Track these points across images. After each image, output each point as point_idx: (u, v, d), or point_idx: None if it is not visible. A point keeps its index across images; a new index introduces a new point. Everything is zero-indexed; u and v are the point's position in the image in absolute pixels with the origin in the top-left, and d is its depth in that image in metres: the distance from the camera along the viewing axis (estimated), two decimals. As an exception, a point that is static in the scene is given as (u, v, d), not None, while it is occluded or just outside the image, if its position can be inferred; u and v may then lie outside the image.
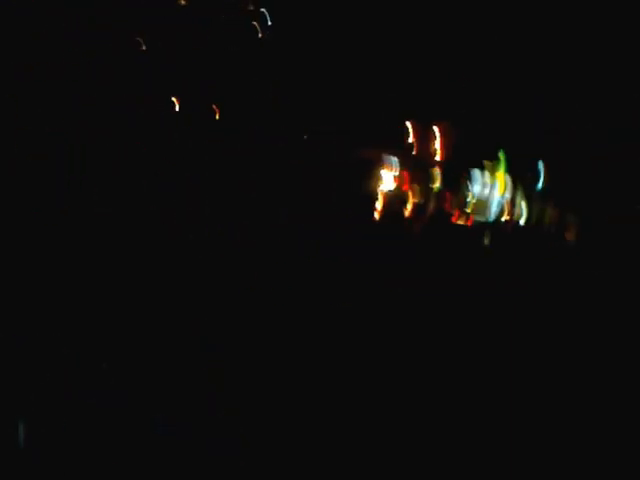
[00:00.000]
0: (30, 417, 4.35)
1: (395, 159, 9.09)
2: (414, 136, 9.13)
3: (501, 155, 8.67)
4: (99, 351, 5.37)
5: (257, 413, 5.30)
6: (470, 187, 8.96)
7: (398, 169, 9.13)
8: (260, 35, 8.74)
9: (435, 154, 9.10)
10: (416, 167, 9.28)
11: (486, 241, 8.68)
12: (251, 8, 8.67)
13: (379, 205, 9.16)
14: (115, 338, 5.64)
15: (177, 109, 8.40)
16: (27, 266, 5.98)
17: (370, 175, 8.95)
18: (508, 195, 8.81)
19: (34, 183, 6.83)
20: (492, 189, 9.16)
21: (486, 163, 8.89)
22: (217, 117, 8.60)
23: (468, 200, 9.13)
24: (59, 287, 5.96)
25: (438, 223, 8.87)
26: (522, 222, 8.60)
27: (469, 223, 9.33)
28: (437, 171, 9.26)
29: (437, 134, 9.05)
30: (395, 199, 9.38)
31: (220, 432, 4.90)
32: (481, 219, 9.12)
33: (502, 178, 8.93)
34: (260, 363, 6.08)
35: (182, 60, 8.42)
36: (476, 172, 9.12)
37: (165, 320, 6.22)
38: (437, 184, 9.20)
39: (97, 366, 5.17)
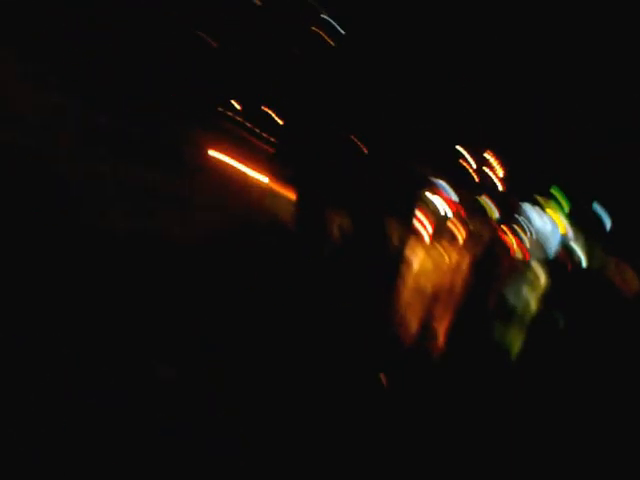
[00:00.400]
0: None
1: (449, 187, 9.13)
2: (471, 165, 9.17)
3: (558, 194, 8.60)
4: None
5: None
6: (529, 222, 8.94)
7: (453, 197, 9.15)
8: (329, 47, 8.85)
9: (494, 185, 9.10)
10: (473, 196, 9.27)
11: (544, 277, 8.69)
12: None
13: (430, 229, 9.16)
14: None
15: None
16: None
17: (420, 198, 8.96)
18: (569, 234, 8.78)
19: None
20: (552, 226, 9.11)
21: (545, 200, 8.87)
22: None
23: (527, 235, 9.10)
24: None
25: (495, 255, 8.87)
26: (582, 263, 8.64)
27: (527, 258, 9.32)
28: (493, 202, 9.22)
29: (496, 165, 9.07)
30: (447, 226, 9.34)
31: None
32: (539, 255, 9.13)
33: (562, 217, 8.88)
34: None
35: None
36: (535, 208, 9.18)
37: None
38: (494, 215, 9.20)
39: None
